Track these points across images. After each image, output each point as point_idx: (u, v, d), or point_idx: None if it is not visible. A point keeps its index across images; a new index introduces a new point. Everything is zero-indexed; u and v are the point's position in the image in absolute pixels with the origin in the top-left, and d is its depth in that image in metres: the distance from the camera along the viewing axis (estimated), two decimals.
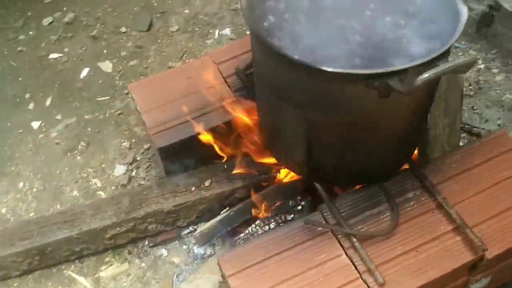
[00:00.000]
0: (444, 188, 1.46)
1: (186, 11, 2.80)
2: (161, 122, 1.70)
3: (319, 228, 1.42)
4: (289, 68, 1.17)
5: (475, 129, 1.94)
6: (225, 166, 1.77)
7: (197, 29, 2.70)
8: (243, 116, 1.62)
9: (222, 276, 1.46)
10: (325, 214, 1.44)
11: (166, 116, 1.72)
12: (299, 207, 1.65)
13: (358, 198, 1.46)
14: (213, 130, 1.67)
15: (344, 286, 1.33)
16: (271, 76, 1.27)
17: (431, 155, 1.55)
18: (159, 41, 2.68)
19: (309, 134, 1.36)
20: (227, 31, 2.65)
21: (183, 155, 1.73)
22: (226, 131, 1.68)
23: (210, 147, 1.70)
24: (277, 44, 1.18)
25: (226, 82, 1.78)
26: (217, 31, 2.67)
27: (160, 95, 1.76)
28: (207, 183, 1.75)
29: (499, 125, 2.09)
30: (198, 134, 1.66)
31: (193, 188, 1.75)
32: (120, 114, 2.41)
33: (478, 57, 2.38)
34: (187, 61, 2.57)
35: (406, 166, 1.52)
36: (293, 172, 1.60)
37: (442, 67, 1.00)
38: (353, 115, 1.23)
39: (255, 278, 1.36)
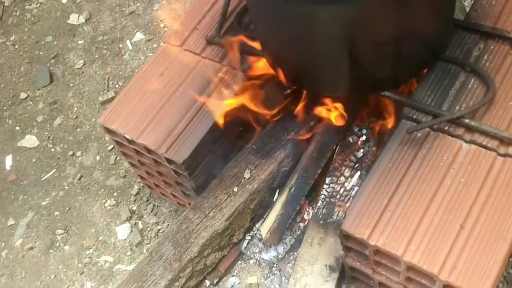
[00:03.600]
0: (504, 24, 1.28)
1: (80, 41, 2.39)
2: (163, 137, 1.35)
3: (419, 135, 1.17)
4: None
5: None
6: (254, 146, 1.46)
7: (105, 51, 2.32)
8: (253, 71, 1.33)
9: (347, 248, 1.17)
10: (414, 116, 1.20)
11: (164, 128, 1.36)
12: (363, 138, 1.39)
13: (432, 83, 1.24)
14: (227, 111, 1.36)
15: (489, 174, 1.10)
16: None
17: None
18: (71, 85, 2.26)
19: (354, 35, 1.09)
20: (139, 36, 2.30)
21: (208, 158, 1.39)
22: (239, 105, 1.37)
23: (233, 130, 1.38)
24: None
25: (203, 58, 1.45)
26: (128, 42, 2.30)
27: (142, 111, 1.40)
28: (247, 175, 1.43)
29: None
30: (215, 123, 1.33)
31: (235, 189, 1.42)
32: (80, 178, 1.98)
33: None
34: (117, 86, 2.19)
35: None
36: (335, 94, 1.32)
37: None
38: None
39: (396, 222, 1.08)
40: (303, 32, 1.11)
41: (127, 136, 1.37)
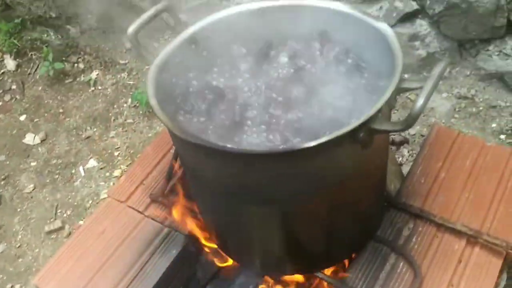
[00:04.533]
0: (431, 206, 1.35)
1: (33, 163, 2.40)
2: None
3: None
4: (259, 163, 0.95)
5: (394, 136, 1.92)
6: None
7: (57, 176, 2.32)
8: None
9: None
10: None
11: None
12: None
13: (364, 265, 1.27)
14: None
15: None
16: (228, 180, 1.03)
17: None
18: (18, 210, 2.23)
19: (287, 227, 1.14)
20: (92, 163, 2.32)
21: None
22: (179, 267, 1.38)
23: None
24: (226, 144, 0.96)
25: (146, 216, 1.47)
26: (81, 168, 2.32)
27: (78, 273, 1.38)
28: None
29: None
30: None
31: None
32: None
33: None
34: (65, 215, 2.17)
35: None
36: (267, 273, 1.37)
37: (429, 83, 0.87)
38: (339, 183, 1.05)
39: None
40: (234, 220, 1.15)
41: None
